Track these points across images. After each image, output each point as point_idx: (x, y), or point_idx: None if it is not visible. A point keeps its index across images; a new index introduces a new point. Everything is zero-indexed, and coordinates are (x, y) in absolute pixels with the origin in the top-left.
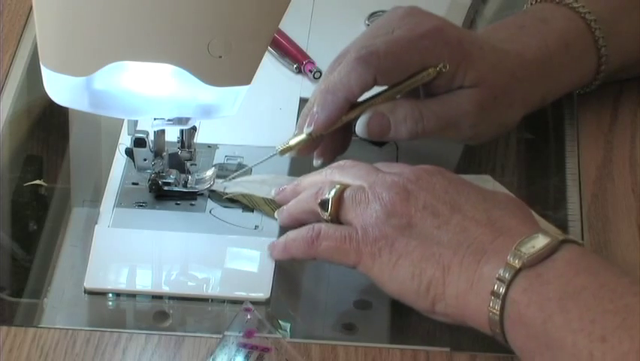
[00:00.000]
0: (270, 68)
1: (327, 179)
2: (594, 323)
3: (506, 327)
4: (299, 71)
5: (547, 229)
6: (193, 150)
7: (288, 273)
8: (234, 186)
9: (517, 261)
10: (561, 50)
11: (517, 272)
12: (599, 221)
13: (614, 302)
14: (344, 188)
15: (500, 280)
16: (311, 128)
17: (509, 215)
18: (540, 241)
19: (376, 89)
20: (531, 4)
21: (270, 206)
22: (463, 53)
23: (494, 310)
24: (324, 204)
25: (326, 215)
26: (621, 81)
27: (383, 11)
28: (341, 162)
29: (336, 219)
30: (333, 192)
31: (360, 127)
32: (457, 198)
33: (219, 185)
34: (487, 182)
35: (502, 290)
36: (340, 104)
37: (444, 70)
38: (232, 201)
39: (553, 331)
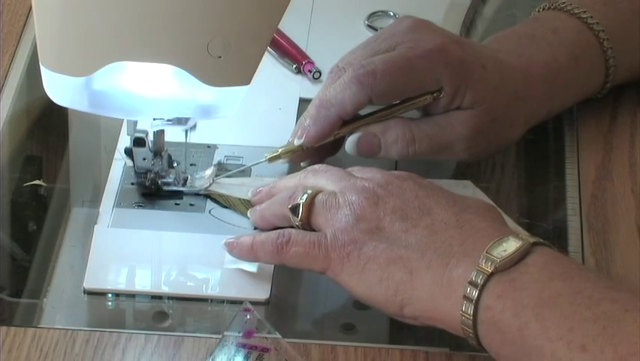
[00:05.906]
0: (270, 68)
1: (301, 183)
2: (573, 332)
3: (481, 332)
4: (298, 71)
5: (517, 231)
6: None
7: (287, 273)
8: (215, 187)
9: (489, 265)
10: (570, 64)
11: (489, 277)
12: (598, 222)
13: (592, 309)
14: (316, 193)
15: (472, 284)
16: (302, 141)
17: (479, 218)
18: (511, 245)
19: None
20: (543, 8)
21: (245, 206)
22: (464, 75)
23: (467, 315)
24: (295, 209)
25: (297, 220)
26: None
27: (383, 11)
28: (315, 166)
29: (307, 224)
30: (304, 198)
31: (349, 146)
32: (427, 202)
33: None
34: (468, 188)
35: (474, 294)
36: (332, 121)
37: (440, 97)
38: (209, 198)
39: (530, 339)
